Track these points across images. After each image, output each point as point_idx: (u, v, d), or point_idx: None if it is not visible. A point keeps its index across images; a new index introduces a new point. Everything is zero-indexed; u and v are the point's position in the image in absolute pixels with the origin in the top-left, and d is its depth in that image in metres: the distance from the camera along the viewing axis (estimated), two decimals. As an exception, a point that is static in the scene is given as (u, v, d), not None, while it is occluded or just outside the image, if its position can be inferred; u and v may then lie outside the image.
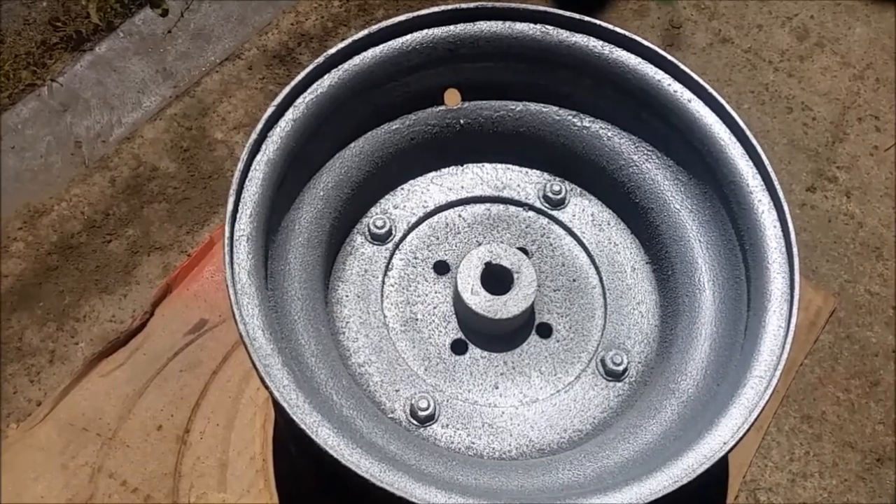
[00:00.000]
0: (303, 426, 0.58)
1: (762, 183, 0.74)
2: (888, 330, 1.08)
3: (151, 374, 0.94)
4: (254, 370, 0.62)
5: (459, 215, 0.88)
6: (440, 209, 0.88)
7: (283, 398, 0.59)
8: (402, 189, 0.88)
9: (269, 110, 0.75)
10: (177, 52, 1.21)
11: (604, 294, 0.84)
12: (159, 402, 0.94)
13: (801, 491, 0.97)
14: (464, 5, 0.79)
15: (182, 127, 1.16)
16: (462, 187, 0.88)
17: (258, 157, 0.73)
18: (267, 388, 0.60)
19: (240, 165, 0.71)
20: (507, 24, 0.81)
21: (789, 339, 0.65)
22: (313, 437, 0.58)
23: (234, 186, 0.69)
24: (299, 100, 0.76)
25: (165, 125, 1.16)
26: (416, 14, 0.79)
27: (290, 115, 0.75)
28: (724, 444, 0.62)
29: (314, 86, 0.77)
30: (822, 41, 1.32)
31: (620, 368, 0.79)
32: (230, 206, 0.68)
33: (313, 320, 0.73)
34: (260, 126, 0.73)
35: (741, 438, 0.62)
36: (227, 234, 0.67)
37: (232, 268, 0.66)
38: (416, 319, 0.82)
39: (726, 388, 0.68)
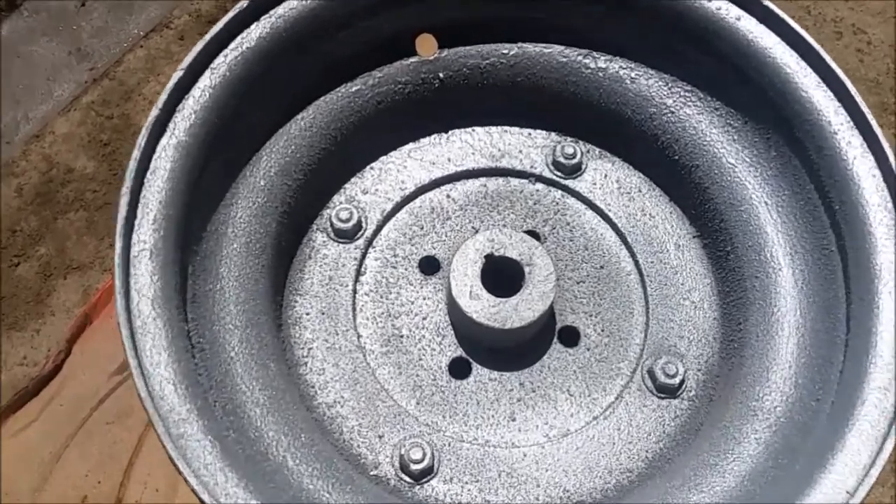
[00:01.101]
0: (232, 528, 0.41)
1: (849, 119, 0.56)
2: None
3: (72, 431, 0.77)
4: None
5: (448, 196, 0.69)
6: (422, 190, 0.69)
7: (202, 486, 0.41)
8: (372, 169, 0.69)
9: (175, 76, 0.56)
10: (92, 28, 1.03)
11: (642, 282, 0.66)
12: (83, 466, 0.76)
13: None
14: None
15: (101, 117, 0.98)
16: (448, 160, 0.70)
17: (163, 140, 0.54)
18: (178, 471, 0.42)
19: (135, 153, 0.52)
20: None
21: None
22: (248, 543, 0.40)
23: (127, 182, 0.51)
24: (218, 59, 0.58)
25: (81, 116, 0.98)
26: (365, -68, 0.60)
27: (207, 80, 0.57)
28: (848, 493, 0.44)
29: (238, 39, 0.59)
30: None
31: (675, 381, 0.61)
32: (122, 211, 0.50)
33: (258, 356, 0.55)
34: (163, 98, 0.55)
35: (872, 485, 0.44)
36: (118, 250, 0.49)
37: (127, 297, 0.48)
38: (402, 336, 0.63)
39: (834, 406, 0.50)
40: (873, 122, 0.55)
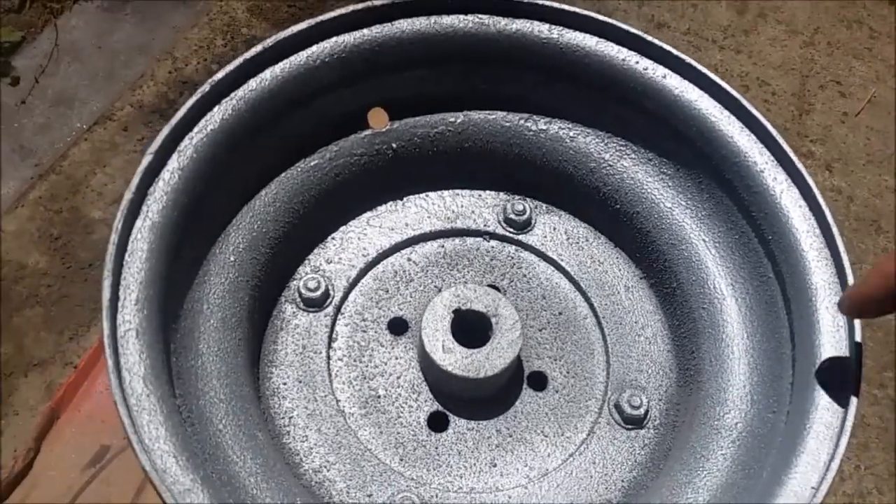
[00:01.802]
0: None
1: (772, 158, 0.63)
2: (904, 310, 0.99)
3: (45, 532, 0.75)
4: (169, 515, 0.45)
5: (409, 259, 0.73)
6: (384, 255, 0.73)
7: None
8: (334, 238, 0.73)
9: (146, 160, 0.59)
10: (35, 125, 1.03)
11: (599, 324, 0.71)
12: (60, 569, 0.74)
13: (861, 514, 0.85)
14: (377, 2, 0.66)
15: (50, 211, 0.98)
16: (406, 224, 0.74)
17: (138, 222, 0.56)
18: (191, 540, 0.43)
19: (113, 237, 0.54)
20: (433, 19, 0.68)
21: (857, 335, 0.53)
22: None
23: (108, 265, 0.53)
24: (185, 142, 0.61)
25: (29, 212, 0.98)
26: (318, 20, 0.65)
27: (175, 162, 0.60)
28: (813, 489, 0.49)
29: (202, 122, 0.62)
30: (763, 11, 1.25)
31: (641, 412, 0.65)
32: (106, 293, 0.52)
33: (245, 426, 0.56)
34: (136, 181, 0.57)
35: (832, 481, 0.49)
36: (106, 331, 0.50)
37: (119, 376, 0.49)
38: (379, 397, 0.66)
39: (790, 415, 0.55)
40: (795, 159, 0.62)
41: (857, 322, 0.55)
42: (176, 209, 0.58)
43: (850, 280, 0.56)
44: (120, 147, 1.05)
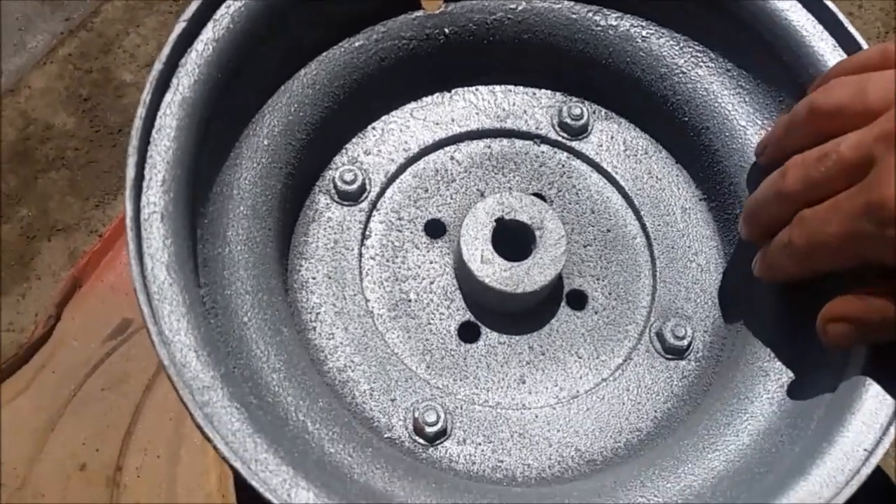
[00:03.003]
0: (267, 494, 0.41)
1: (867, 82, 0.57)
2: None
3: (65, 398, 0.75)
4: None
5: (452, 157, 0.69)
6: (426, 151, 0.69)
7: (233, 453, 0.42)
8: (374, 128, 0.69)
9: (178, 28, 0.55)
10: (66, -24, 0.98)
11: (649, 246, 0.67)
12: (79, 434, 0.75)
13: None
14: None
15: (80, 70, 0.95)
16: (452, 120, 0.70)
17: (168, 96, 0.53)
18: (208, 439, 0.42)
19: (140, 111, 0.51)
20: None
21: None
22: (284, 509, 0.41)
23: (133, 142, 0.50)
24: (221, 10, 0.56)
25: (58, 70, 0.94)
26: None
27: (210, 32, 0.56)
28: (866, 451, 0.46)
29: (241, -9, 0.57)
30: None
31: (684, 343, 0.62)
32: (130, 172, 0.49)
33: (271, 320, 0.55)
34: (166, 51, 0.54)
35: (889, 446, 0.46)
36: (129, 213, 0.48)
37: (141, 263, 0.47)
38: (409, 301, 0.64)
39: (849, 366, 0.52)
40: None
41: None
42: (209, 84, 0.55)
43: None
44: (154, 6, 0.99)
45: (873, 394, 0.49)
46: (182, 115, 0.53)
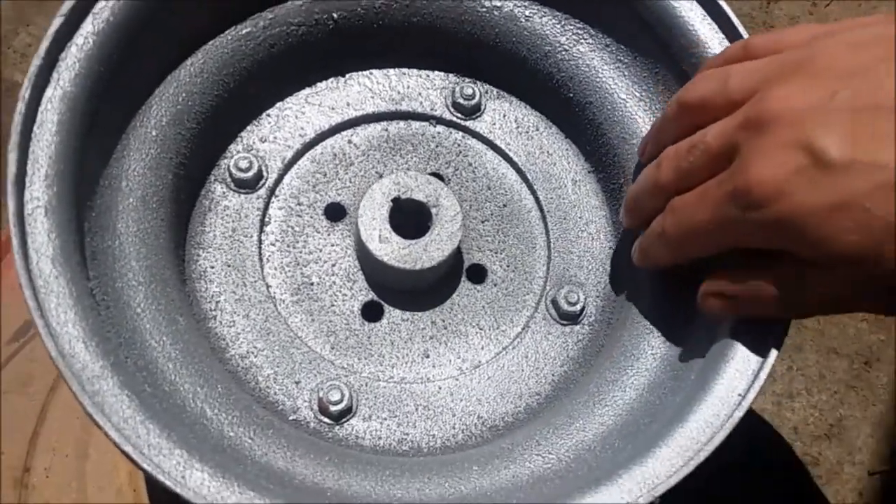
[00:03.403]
0: (160, 476, 0.42)
1: (732, 51, 0.61)
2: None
3: (-34, 405, 0.74)
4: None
5: (349, 141, 0.71)
6: (323, 136, 0.70)
7: (124, 439, 0.42)
8: (269, 115, 0.69)
9: (56, 23, 0.54)
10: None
11: (543, 218, 0.70)
12: (-17, 440, 0.74)
13: (790, 414, 0.89)
14: None
15: (-34, 71, 0.92)
16: (348, 104, 0.71)
17: (48, 91, 0.53)
18: (99, 426, 0.42)
19: (20, 106, 0.51)
20: None
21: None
22: (177, 489, 0.42)
23: (14, 138, 0.49)
24: (100, 3, 0.56)
25: (-57, 71, 0.92)
26: None
27: (90, 26, 0.55)
28: (739, 395, 0.50)
29: (119, -18, 0.57)
30: None
31: (577, 308, 0.65)
32: (12, 168, 0.49)
33: (166, 310, 0.55)
34: (45, 46, 0.53)
35: (762, 384, 0.50)
36: (12, 209, 0.48)
37: (26, 258, 0.47)
38: (312, 284, 0.65)
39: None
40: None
41: None
42: (90, 78, 0.55)
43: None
44: (45, 5, 0.97)
45: (744, 342, 0.52)
46: (64, 110, 0.53)
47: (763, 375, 0.51)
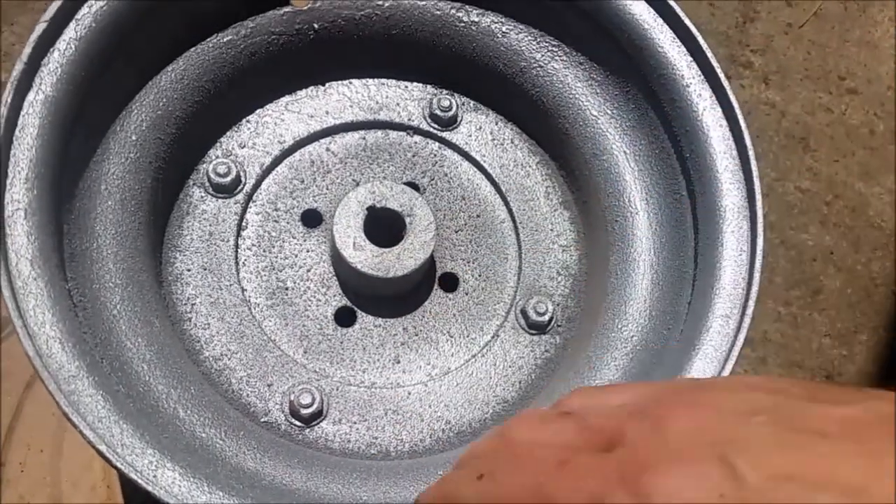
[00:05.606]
0: (133, 475, 0.44)
1: (700, 73, 0.64)
2: (823, 230, 1.03)
3: (-60, 400, 0.76)
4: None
5: (327, 149, 0.73)
6: (301, 143, 0.72)
7: (98, 438, 0.44)
8: (248, 122, 0.71)
9: (39, 28, 0.56)
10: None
11: (515, 229, 0.72)
12: (-45, 436, 0.75)
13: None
14: None
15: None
16: (327, 113, 0.73)
17: (30, 95, 0.55)
18: (75, 425, 0.44)
19: (2, 110, 0.52)
20: None
21: (758, 265, 0.55)
22: (149, 487, 0.44)
23: (-6, 140, 0.51)
24: (83, 10, 0.58)
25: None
26: None
27: (73, 32, 0.57)
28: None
29: (103, -11, 0.59)
30: None
31: (545, 318, 0.68)
32: (-8, 170, 0.50)
33: (142, 312, 0.57)
34: (27, 51, 0.55)
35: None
36: (-9, 210, 0.50)
37: (5, 257, 0.49)
38: (287, 289, 0.67)
39: (683, 333, 0.58)
40: (722, 76, 0.63)
41: (759, 247, 0.57)
42: (72, 83, 0.56)
43: (760, 206, 0.58)
44: (29, 5, 0.98)
45: (702, 355, 0.55)
46: (45, 114, 0.55)
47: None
